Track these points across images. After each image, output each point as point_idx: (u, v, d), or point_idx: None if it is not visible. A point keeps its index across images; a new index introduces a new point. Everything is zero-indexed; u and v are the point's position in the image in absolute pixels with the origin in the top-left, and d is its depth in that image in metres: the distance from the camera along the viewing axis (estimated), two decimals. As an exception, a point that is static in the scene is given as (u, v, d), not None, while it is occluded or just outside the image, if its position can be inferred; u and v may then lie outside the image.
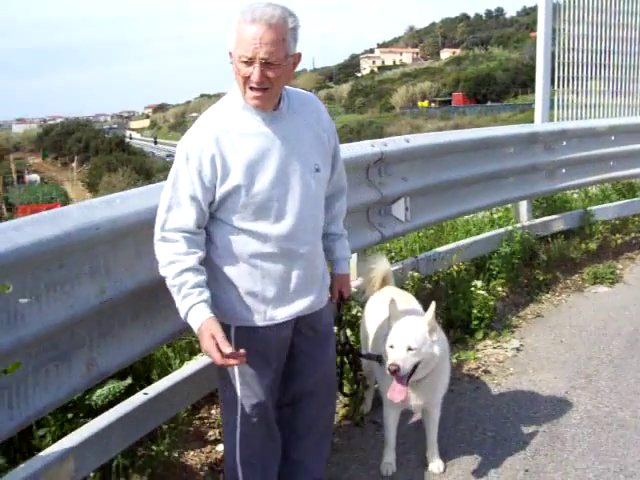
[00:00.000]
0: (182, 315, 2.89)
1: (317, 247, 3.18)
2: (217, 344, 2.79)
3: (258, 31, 2.72)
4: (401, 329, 3.58)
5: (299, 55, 2.92)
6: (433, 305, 3.66)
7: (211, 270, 3.02)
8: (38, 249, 2.75)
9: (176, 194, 2.89)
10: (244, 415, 3.17)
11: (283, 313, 3.10)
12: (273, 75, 2.79)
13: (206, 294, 2.88)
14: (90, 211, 3.06)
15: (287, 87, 3.02)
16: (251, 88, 2.82)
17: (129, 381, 3.87)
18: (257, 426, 3.20)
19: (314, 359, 3.32)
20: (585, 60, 9.87)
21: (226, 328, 3.05)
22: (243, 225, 2.94)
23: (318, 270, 3.20)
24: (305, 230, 3.05)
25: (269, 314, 3.07)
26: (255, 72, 2.77)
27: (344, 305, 3.72)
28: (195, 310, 2.86)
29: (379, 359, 3.74)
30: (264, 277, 3.02)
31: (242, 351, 2.83)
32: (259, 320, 3.07)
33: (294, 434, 3.43)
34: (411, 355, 3.51)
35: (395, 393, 3.56)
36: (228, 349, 2.79)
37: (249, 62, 2.77)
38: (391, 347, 3.55)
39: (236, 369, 3.10)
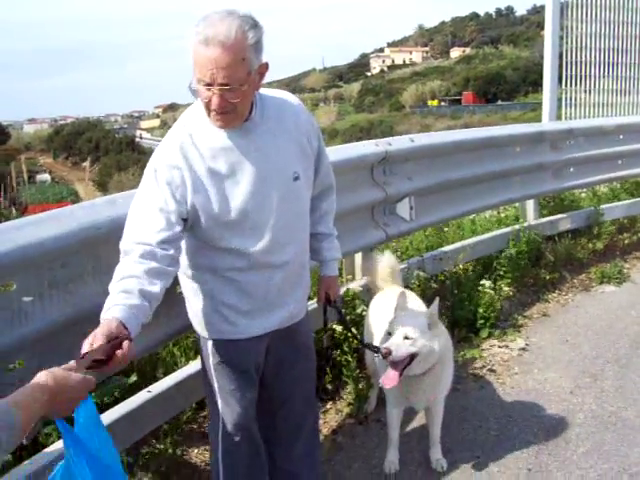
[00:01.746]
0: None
1: (299, 256, 3.01)
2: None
3: (212, 54, 2.46)
4: (401, 318, 3.59)
5: (265, 65, 2.64)
6: (436, 300, 3.66)
7: (188, 283, 2.97)
8: (41, 248, 2.78)
9: (143, 207, 2.69)
10: (225, 434, 3.09)
11: (261, 325, 2.98)
12: (235, 99, 2.56)
13: (133, 300, 2.47)
14: (92, 211, 3.07)
15: (261, 92, 2.80)
16: (214, 111, 2.61)
17: (134, 378, 3.89)
18: (239, 444, 3.10)
19: (292, 367, 3.21)
20: (594, 59, 9.84)
21: (204, 341, 3.03)
22: (218, 243, 2.81)
23: (300, 279, 3.07)
24: (284, 242, 2.90)
25: (247, 327, 2.95)
26: (214, 99, 2.55)
27: (336, 308, 3.53)
28: (101, 326, 2.38)
29: (377, 350, 3.72)
30: (241, 290, 2.89)
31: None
32: (237, 333, 2.95)
33: (280, 443, 3.34)
34: (407, 344, 3.49)
35: (387, 379, 3.54)
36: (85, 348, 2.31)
37: (207, 87, 2.54)
38: (389, 334, 3.56)
39: (216, 384, 3.04)
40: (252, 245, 2.82)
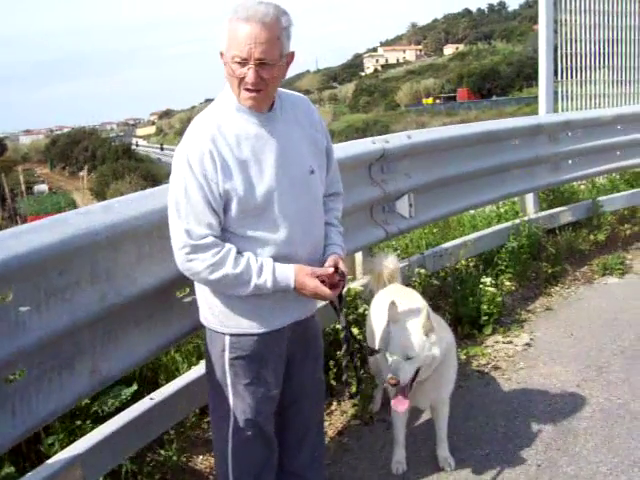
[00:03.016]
0: (269, 286, 2.83)
1: (316, 249, 3.07)
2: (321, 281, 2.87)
3: (252, 30, 2.65)
4: (398, 337, 3.53)
5: (292, 54, 2.84)
6: (425, 307, 3.64)
7: None
8: (37, 257, 2.73)
9: (190, 202, 2.78)
10: (236, 430, 3.06)
11: (280, 320, 3.01)
12: (268, 76, 2.73)
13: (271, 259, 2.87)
14: (88, 217, 3.03)
15: (279, 88, 2.95)
16: (246, 89, 2.76)
17: (134, 387, 3.86)
18: (251, 441, 3.09)
19: (301, 366, 3.23)
20: (589, 50, 9.82)
21: (218, 337, 3.02)
22: (241, 231, 2.86)
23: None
24: (304, 233, 2.97)
25: (266, 321, 2.98)
26: (250, 73, 2.70)
27: (335, 309, 3.25)
28: (280, 269, 2.84)
29: (373, 352, 3.68)
30: None
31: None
32: (256, 327, 2.98)
33: (287, 446, 3.32)
34: (410, 363, 3.47)
35: (398, 404, 3.56)
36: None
37: (243, 63, 2.70)
38: (390, 356, 3.51)
39: (228, 379, 3.02)
40: (275, 233, 2.89)
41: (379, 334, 3.92)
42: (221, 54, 2.79)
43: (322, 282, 2.90)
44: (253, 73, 2.70)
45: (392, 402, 3.60)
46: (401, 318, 3.60)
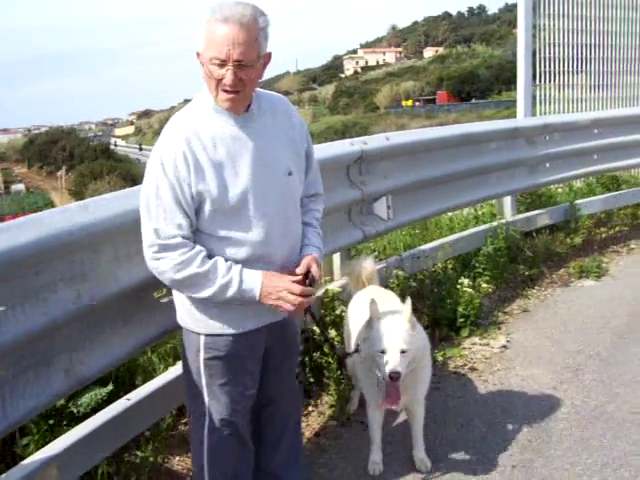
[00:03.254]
0: (234, 285, 2.80)
1: (293, 250, 3.06)
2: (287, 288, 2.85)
3: (230, 31, 2.65)
4: (389, 332, 3.53)
5: (269, 55, 2.84)
6: (409, 300, 3.64)
7: None
8: (13, 257, 2.71)
9: (162, 202, 2.76)
10: (212, 430, 3.06)
11: (256, 320, 3.01)
12: (246, 77, 2.73)
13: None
14: (65, 216, 3.00)
15: (257, 89, 2.94)
16: (224, 90, 2.75)
17: (110, 387, 3.84)
18: (226, 441, 3.09)
19: (279, 366, 3.23)
20: (567, 54, 9.85)
21: (194, 337, 3.01)
22: (217, 232, 2.85)
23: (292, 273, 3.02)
24: (281, 235, 2.96)
25: (242, 321, 2.97)
26: (228, 75, 2.70)
27: (311, 313, 3.22)
28: (247, 271, 2.83)
29: (347, 355, 3.68)
30: None
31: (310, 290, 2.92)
32: (230, 328, 2.97)
33: (264, 445, 3.34)
34: (404, 357, 3.49)
35: (392, 400, 3.55)
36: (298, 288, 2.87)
37: (221, 64, 2.70)
38: (382, 352, 3.50)
39: (203, 380, 3.02)
40: (251, 235, 2.88)
41: (357, 335, 3.93)
42: (198, 54, 2.79)
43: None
44: (231, 75, 2.70)
45: (385, 400, 3.57)
46: (386, 314, 3.63)
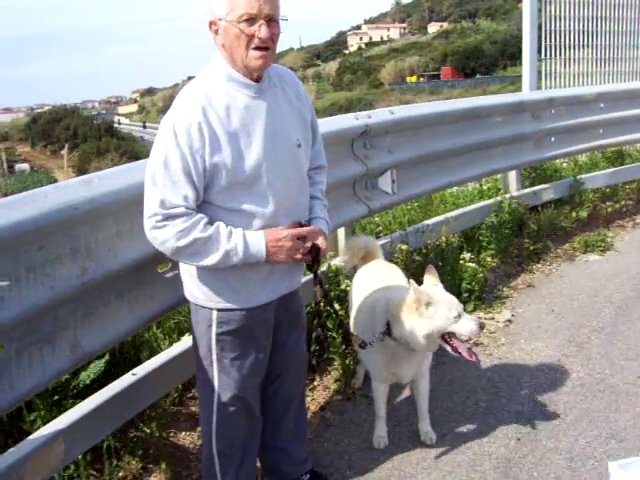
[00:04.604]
0: (240, 250, 2.79)
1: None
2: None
3: None
4: (453, 299, 3.60)
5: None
6: (433, 271, 3.79)
7: None
8: (16, 231, 2.70)
9: (169, 172, 2.72)
10: (221, 404, 3.08)
11: (267, 294, 3.02)
12: (276, 33, 2.77)
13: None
14: (68, 191, 3.00)
15: None
16: (256, 48, 2.75)
17: (106, 358, 3.85)
18: (235, 415, 3.11)
19: (286, 339, 3.25)
20: (573, 28, 9.76)
21: (206, 312, 3.00)
22: (229, 205, 2.83)
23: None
24: (290, 206, 2.96)
25: (253, 295, 2.98)
26: (263, 29, 2.71)
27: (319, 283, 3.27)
28: (250, 233, 2.83)
29: (362, 345, 3.68)
30: None
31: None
32: (243, 302, 2.97)
33: (269, 419, 3.36)
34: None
35: (473, 355, 3.63)
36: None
37: (252, 20, 2.71)
38: (458, 316, 3.52)
39: (214, 354, 3.02)
40: (263, 206, 2.87)
41: (357, 308, 3.94)
42: (213, 23, 2.77)
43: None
44: (266, 28, 2.72)
45: (467, 355, 3.58)
46: (434, 289, 3.67)
